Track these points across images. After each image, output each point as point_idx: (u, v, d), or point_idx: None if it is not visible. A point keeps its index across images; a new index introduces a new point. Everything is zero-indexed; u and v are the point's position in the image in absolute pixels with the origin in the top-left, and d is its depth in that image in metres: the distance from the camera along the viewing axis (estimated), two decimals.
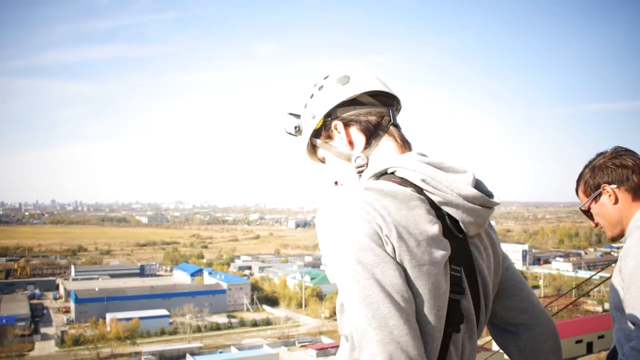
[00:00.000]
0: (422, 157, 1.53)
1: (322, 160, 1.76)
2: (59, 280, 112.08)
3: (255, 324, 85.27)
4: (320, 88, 1.70)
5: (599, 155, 2.46)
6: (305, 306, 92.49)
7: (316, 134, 1.71)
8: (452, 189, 1.46)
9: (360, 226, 1.33)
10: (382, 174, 1.53)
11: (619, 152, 2.42)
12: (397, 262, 1.33)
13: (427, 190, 1.46)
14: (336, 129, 1.65)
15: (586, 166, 2.48)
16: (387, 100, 1.68)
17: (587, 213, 2.49)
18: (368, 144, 1.63)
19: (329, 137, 1.68)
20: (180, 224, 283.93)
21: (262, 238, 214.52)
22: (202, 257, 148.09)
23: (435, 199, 1.46)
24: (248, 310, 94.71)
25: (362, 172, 1.62)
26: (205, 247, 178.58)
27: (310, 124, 1.71)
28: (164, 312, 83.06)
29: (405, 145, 1.65)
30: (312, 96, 1.72)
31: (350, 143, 1.64)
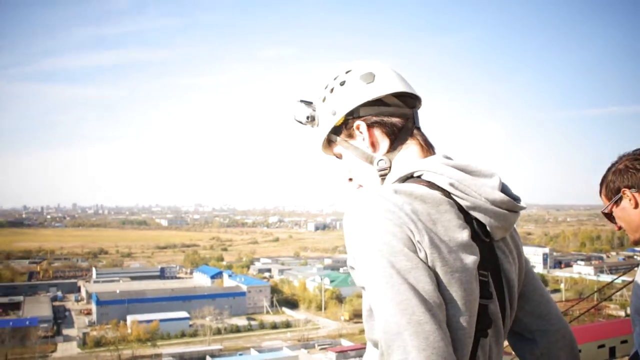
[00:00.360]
0: (448, 160, 1.51)
1: (338, 156, 1.70)
2: (80, 283, 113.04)
3: (275, 326, 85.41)
4: (343, 83, 1.63)
5: (621, 157, 2.40)
6: (325, 309, 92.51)
7: (335, 130, 1.64)
8: (480, 193, 1.44)
9: (393, 230, 1.31)
10: (408, 178, 1.51)
11: None
12: (429, 268, 1.32)
13: (455, 195, 1.44)
14: (358, 129, 1.60)
15: (609, 169, 2.42)
16: (410, 101, 1.63)
17: (610, 216, 2.44)
18: (392, 147, 1.59)
19: (350, 135, 1.62)
20: (200, 227, 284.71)
21: (281, 241, 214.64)
22: (222, 259, 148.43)
23: (464, 203, 1.44)
24: (268, 312, 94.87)
25: (384, 175, 1.59)
26: (225, 249, 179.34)
27: (329, 120, 1.64)
28: (184, 314, 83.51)
29: (429, 149, 1.61)
30: (332, 90, 1.64)
31: (373, 145, 1.59)
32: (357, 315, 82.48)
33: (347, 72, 1.64)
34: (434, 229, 1.35)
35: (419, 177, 1.49)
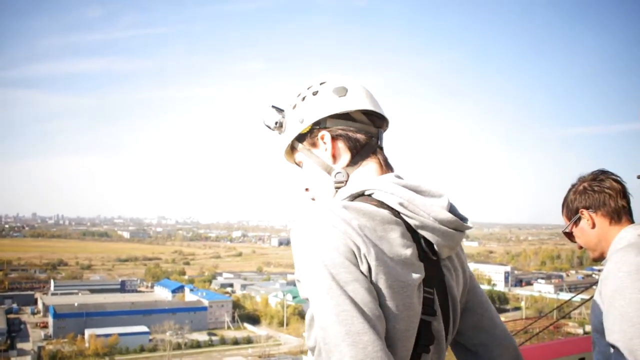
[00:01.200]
0: (400, 179, 1.54)
1: (298, 164, 1.74)
2: (37, 295, 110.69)
3: (236, 342, 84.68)
4: (315, 93, 1.66)
5: (580, 179, 2.53)
6: (287, 325, 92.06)
7: (300, 138, 1.67)
8: (428, 213, 1.47)
9: (336, 243, 1.33)
10: (359, 195, 1.53)
11: (598, 176, 2.47)
12: (370, 281, 1.34)
13: (404, 214, 1.46)
14: (323, 139, 1.62)
15: (569, 190, 2.54)
16: (377, 121, 1.66)
17: (570, 236, 2.56)
18: (352, 161, 1.61)
19: (313, 144, 1.65)
20: (163, 240, 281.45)
21: (244, 255, 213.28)
22: (183, 273, 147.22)
23: (412, 222, 1.47)
24: (229, 328, 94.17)
25: (339, 187, 1.61)
26: (187, 263, 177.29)
27: (296, 127, 1.66)
28: (144, 328, 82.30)
29: (387, 169, 1.64)
30: (303, 99, 1.67)
31: (334, 156, 1.62)
32: None
33: (321, 84, 1.67)
34: (380, 244, 1.37)
35: (369, 195, 1.51)
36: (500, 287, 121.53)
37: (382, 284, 1.35)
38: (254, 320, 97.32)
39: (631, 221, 2.43)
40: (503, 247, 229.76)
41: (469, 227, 1.56)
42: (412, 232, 1.47)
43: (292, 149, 1.72)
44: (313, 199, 1.69)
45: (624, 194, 2.43)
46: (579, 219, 2.46)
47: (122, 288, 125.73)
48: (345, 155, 1.62)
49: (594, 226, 2.42)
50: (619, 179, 2.46)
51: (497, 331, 1.72)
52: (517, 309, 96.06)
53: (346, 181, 1.60)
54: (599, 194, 2.42)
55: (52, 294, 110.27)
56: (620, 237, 2.35)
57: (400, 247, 1.41)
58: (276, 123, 1.71)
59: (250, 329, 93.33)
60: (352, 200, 1.51)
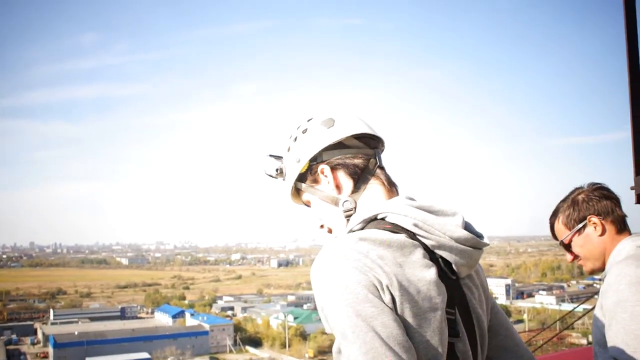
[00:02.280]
0: (411, 201, 1.53)
1: (307, 204, 1.74)
2: (37, 325, 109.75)
3: None
4: (305, 131, 1.68)
5: (577, 189, 2.50)
6: (289, 346, 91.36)
7: (301, 177, 1.68)
8: (444, 232, 1.46)
9: (358, 278, 1.32)
10: (371, 220, 1.52)
11: (599, 186, 2.46)
12: (396, 312, 1.33)
13: (419, 235, 1.45)
14: (323, 172, 1.63)
15: (563, 201, 2.51)
16: (372, 142, 1.68)
17: (567, 246, 2.50)
18: (356, 187, 1.62)
19: (315, 180, 1.66)
20: (162, 265, 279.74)
21: (244, 278, 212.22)
22: (183, 298, 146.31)
23: (429, 242, 1.45)
24: (231, 351, 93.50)
25: (349, 216, 1.61)
26: (187, 288, 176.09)
27: (294, 168, 1.68)
28: (145, 355, 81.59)
29: (392, 188, 1.65)
30: (295, 139, 1.69)
31: (338, 187, 1.63)
32: (321, 352, 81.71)
33: (308, 121, 1.70)
34: (401, 272, 1.35)
35: (382, 219, 1.50)
36: (502, 300, 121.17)
37: (407, 313, 1.34)
38: (256, 342, 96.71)
39: (630, 232, 2.41)
40: (503, 260, 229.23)
41: (487, 244, 1.54)
42: (429, 253, 1.45)
43: (297, 190, 1.73)
44: (330, 231, 1.69)
45: (621, 205, 2.43)
46: (584, 226, 2.41)
47: (122, 315, 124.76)
48: (348, 183, 1.63)
49: (602, 233, 2.38)
50: (611, 189, 2.46)
51: (520, 349, 1.72)
52: (520, 321, 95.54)
53: (354, 208, 1.61)
54: (606, 201, 2.41)
55: (52, 324, 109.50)
56: (618, 250, 2.33)
57: (423, 269, 1.39)
58: (277, 170, 1.73)
59: (252, 352, 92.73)
60: (365, 225, 1.51)
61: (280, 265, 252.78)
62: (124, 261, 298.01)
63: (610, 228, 2.38)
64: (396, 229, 1.45)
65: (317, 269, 1.39)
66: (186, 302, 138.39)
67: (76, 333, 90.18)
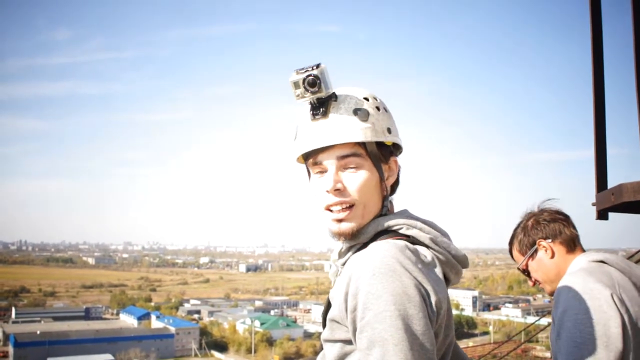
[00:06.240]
0: (418, 216, 1.55)
1: (349, 164, 1.48)
2: None
3: None
4: (387, 112, 1.57)
5: (527, 215, 2.56)
6: (255, 352, 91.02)
7: (381, 150, 1.53)
8: (449, 250, 1.48)
9: (411, 291, 1.29)
10: (388, 230, 1.49)
11: (547, 208, 2.52)
12: (434, 323, 1.34)
13: (434, 250, 1.46)
14: (396, 164, 1.58)
15: (517, 227, 2.57)
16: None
17: (525, 272, 2.57)
18: (393, 191, 1.60)
19: (384, 162, 1.55)
20: (129, 266, 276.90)
21: (212, 282, 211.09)
22: (150, 300, 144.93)
23: (441, 258, 1.47)
24: (196, 355, 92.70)
25: (381, 214, 1.54)
26: (154, 290, 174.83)
27: (379, 134, 1.50)
28: (108, 356, 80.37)
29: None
30: (385, 110, 1.56)
31: (392, 186, 1.59)
32: (287, 359, 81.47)
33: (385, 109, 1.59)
34: (437, 288, 1.35)
35: (395, 230, 1.49)
36: (469, 311, 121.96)
37: (442, 324, 1.38)
38: (222, 347, 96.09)
39: (583, 250, 2.45)
40: (471, 272, 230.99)
41: (467, 266, 1.56)
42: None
43: (355, 155, 1.49)
44: (349, 208, 1.49)
45: (572, 223, 2.48)
46: (536, 251, 2.47)
47: (87, 315, 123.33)
48: (392, 186, 1.60)
49: (553, 256, 2.43)
50: (563, 211, 2.50)
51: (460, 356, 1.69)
52: (486, 333, 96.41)
53: (386, 214, 1.55)
54: (553, 224, 2.45)
55: (13, 322, 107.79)
56: (572, 266, 2.37)
57: (443, 284, 1.41)
58: (321, 84, 1.46)
59: (217, 356, 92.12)
60: (389, 235, 1.48)
61: (248, 270, 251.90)
62: (91, 261, 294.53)
63: (559, 249, 2.43)
64: (415, 242, 1.45)
65: (367, 271, 1.31)
66: (152, 304, 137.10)
67: (38, 332, 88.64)
